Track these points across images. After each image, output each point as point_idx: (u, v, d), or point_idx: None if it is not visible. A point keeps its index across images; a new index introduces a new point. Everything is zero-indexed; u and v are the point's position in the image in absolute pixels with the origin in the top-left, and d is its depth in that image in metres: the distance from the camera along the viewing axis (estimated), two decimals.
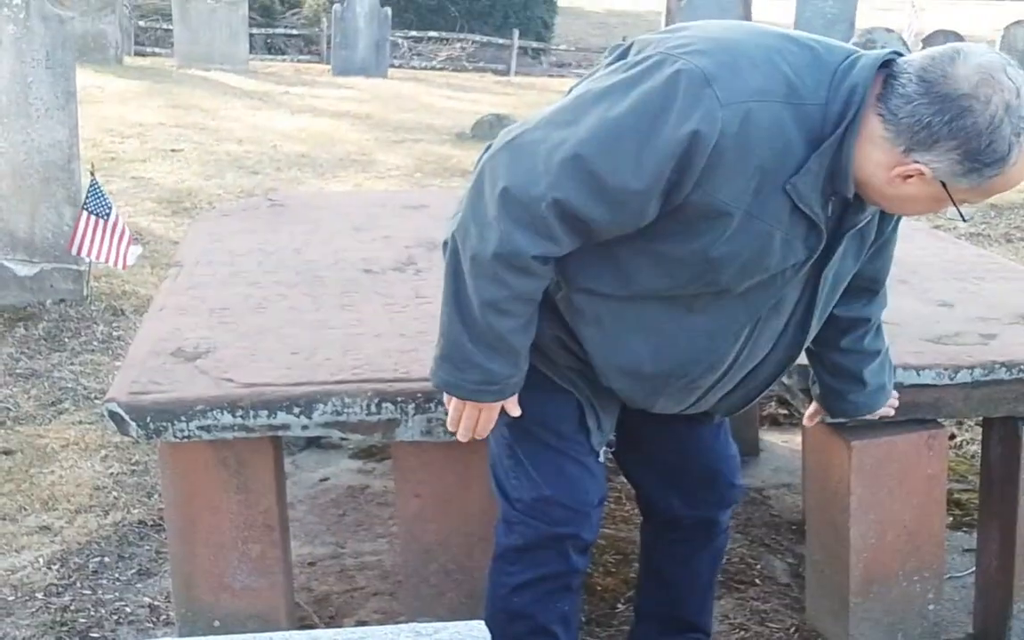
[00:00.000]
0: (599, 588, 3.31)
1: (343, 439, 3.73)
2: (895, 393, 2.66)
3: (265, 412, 2.43)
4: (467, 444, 2.54)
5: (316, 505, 3.79)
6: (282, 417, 2.45)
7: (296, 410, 2.44)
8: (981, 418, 3.13)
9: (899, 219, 2.41)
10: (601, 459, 2.49)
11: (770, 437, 4.45)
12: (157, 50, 21.61)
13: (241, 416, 2.43)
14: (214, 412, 2.42)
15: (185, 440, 2.45)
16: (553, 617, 2.41)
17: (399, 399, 2.48)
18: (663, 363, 2.25)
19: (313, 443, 4.14)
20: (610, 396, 2.37)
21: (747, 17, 18.22)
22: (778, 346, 2.37)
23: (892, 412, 2.66)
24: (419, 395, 2.48)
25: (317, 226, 3.92)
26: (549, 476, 2.34)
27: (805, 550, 3.36)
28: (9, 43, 5.47)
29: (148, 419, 2.40)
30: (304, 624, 3.03)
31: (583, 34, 30.25)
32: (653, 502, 2.74)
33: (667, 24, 18.05)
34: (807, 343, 2.43)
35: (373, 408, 2.47)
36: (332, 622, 3.12)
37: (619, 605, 3.23)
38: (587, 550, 2.48)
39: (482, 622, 1.77)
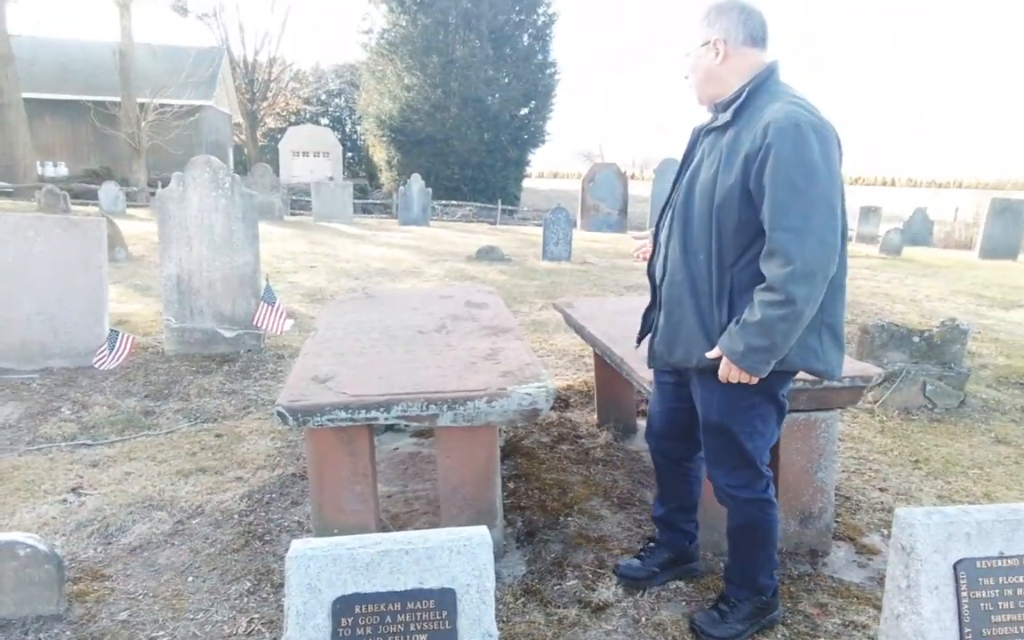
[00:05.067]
0: (551, 509, 3.29)
1: (407, 426, 3.72)
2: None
3: (364, 410, 2.42)
4: (473, 427, 2.54)
5: (391, 463, 3.76)
6: (373, 413, 2.44)
7: (381, 409, 2.44)
8: None
9: (765, 164, 1.95)
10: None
11: (641, 421, 4.42)
12: (301, 212, 21.64)
13: (351, 413, 2.42)
14: (336, 411, 2.41)
15: (319, 427, 2.44)
16: None
17: (438, 401, 2.47)
18: None
19: (390, 428, 4.11)
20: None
21: (625, 195, 18.36)
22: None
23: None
24: (450, 399, 2.47)
25: (392, 307, 3.92)
26: None
27: None
28: (222, 209, 5.48)
29: (299, 415, 2.39)
30: (384, 530, 2.99)
31: (536, 201, 30.51)
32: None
33: (583, 199, 18.19)
34: (680, 247, 2.16)
35: (424, 408, 2.46)
36: (401, 529, 3.08)
37: (560, 519, 3.20)
38: None
39: (484, 528, 1.76)
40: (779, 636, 2.43)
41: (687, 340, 2.16)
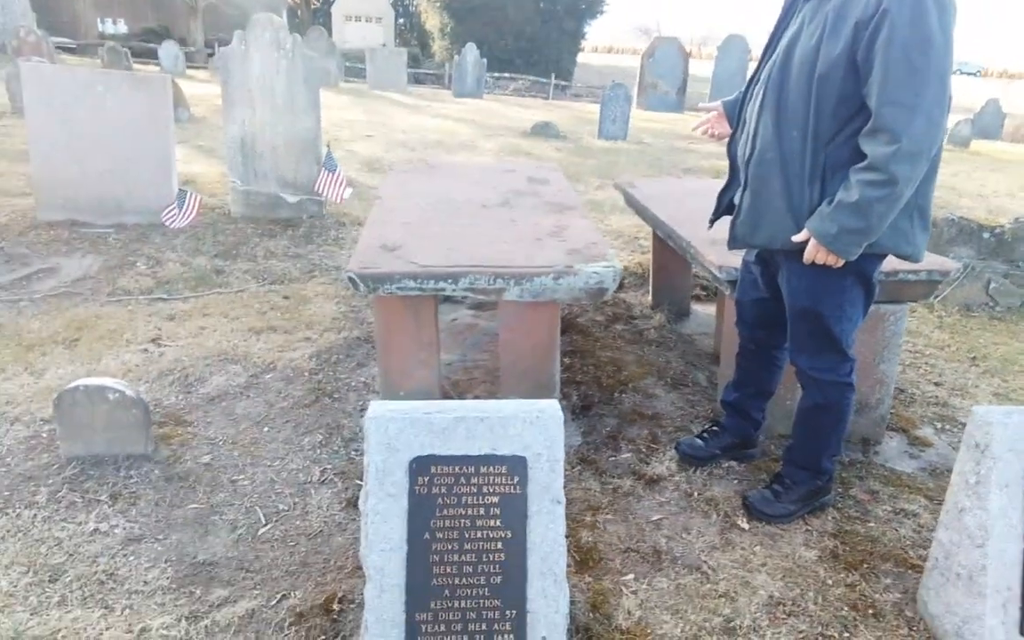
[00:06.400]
0: (606, 385, 3.30)
1: (465, 297, 3.70)
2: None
3: (432, 281, 2.40)
4: (538, 303, 2.51)
5: (451, 333, 3.79)
6: (441, 284, 2.42)
7: (449, 280, 2.41)
8: None
9: (879, 31, 1.76)
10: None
11: (695, 306, 4.38)
12: (354, 79, 21.18)
13: (420, 283, 2.40)
14: (404, 280, 2.39)
15: (388, 294, 2.44)
16: None
17: (505, 276, 2.43)
18: None
19: (448, 300, 4.12)
20: None
21: (686, 72, 17.46)
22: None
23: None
24: (517, 274, 2.43)
25: (454, 179, 3.84)
26: None
27: (717, 368, 3.33)
28: (284, 71, 5.36)
29: (370, 282, 2.38)
30: (445, 395, 3.05)
31: (589, 77, 29.31)
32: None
33: (641, 75, 17.39)
34: (772, 112, 2.00)
35: (491, 281, 2.43)
36: (460, 396, 3.13)
37: (615, 395, 3.21)
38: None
39: (555, 401, 1.76)
40: (830, 518, 2.44)
41: (773, 221, 2.05)
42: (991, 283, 4.72)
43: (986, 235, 4.81)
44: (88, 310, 3.89)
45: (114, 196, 5.19)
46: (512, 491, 1.66)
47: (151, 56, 19.80)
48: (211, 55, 20.85)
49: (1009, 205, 8.04)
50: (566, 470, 2.63)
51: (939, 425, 3.17)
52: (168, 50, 17.91)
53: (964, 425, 3.18)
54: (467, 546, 1.63)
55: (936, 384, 3.60)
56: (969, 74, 55.22)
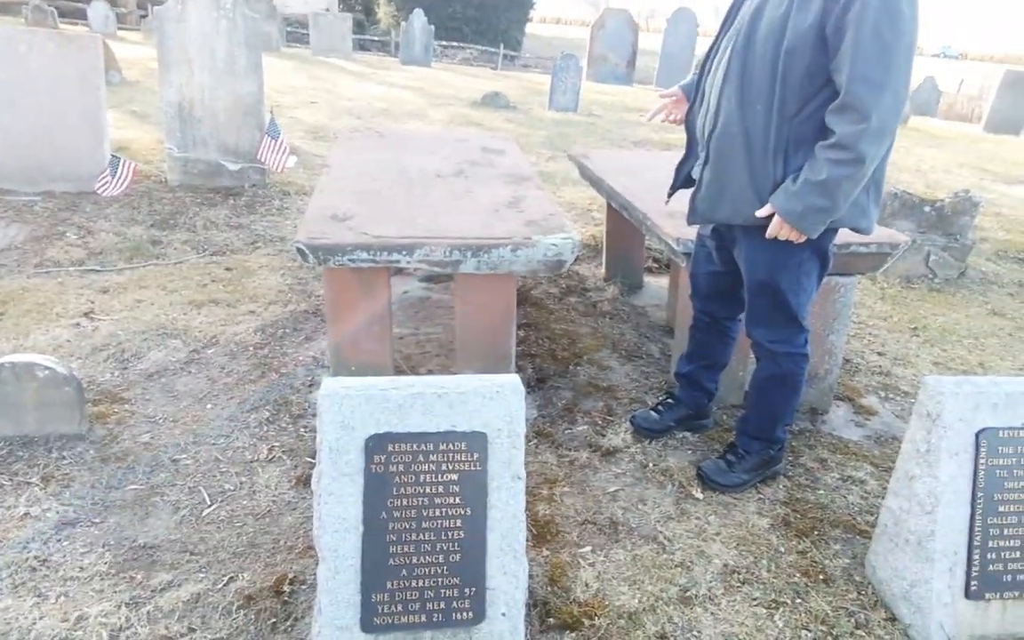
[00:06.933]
0: (561, 358, 3.28)
1: (416, 270, 3.62)
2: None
3: (386, 252, 2.33)
4: (495, 275, 2.46)
5: (402, 306, 3.71)
6: (395, 256, 2.34)
7: (403, 252, 2.34)
8: None
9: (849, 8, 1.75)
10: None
11: (648, 278, 4.39)
12: (297, 45, 20.49)
13: (372, 254, 2.32)
14: (357, 251, 2.31)
15: (339, 266, 2.35)
16: None
17: (462, 247, 2.37)
18: None
19: (398, 272, 4.03)
20: None
21: (635, 46, 17.42)
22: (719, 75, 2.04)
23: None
24: (474, 246, 2.37)
25: (406, 148, 3.73)
26: None
27: (670, 340, 3.34)
28: (224, 32, 5.12)
29: (320, 253, 2.29)
30: (398, 370, 2.99)
31: (538, 48, 29.08)
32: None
33: (591, 47, 17.28)
34: (731, 84, 1.97)
35: (448, 253, 2.36)
36: (413, 371, 3.07)
37: (570, 368, 3.19)
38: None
39: (516, 376, 1.72)
40: (781, 487, 2.48)
41: (735, 197, 2.04)
42: (931, 256, 4.87)
43: (927, 209, 4.95)
44: (14, 282, 3.67)
45: (41, 162, 4.90)
46: (472, 468, 1.62)
47: (80, 16, 18.77)
48: (144, 16, 19.90)
49: (945, 180, 8.31)
50: None
51: (883, 394, 3.25)
52: (97, 10, 17.00)
53: (907, 394, 3.28)
54: (425, 524, 1.59)
55: (879, 354, 3.70)
56: (952, 57, 55.58)
